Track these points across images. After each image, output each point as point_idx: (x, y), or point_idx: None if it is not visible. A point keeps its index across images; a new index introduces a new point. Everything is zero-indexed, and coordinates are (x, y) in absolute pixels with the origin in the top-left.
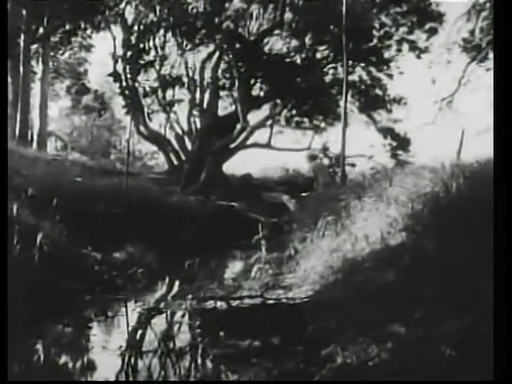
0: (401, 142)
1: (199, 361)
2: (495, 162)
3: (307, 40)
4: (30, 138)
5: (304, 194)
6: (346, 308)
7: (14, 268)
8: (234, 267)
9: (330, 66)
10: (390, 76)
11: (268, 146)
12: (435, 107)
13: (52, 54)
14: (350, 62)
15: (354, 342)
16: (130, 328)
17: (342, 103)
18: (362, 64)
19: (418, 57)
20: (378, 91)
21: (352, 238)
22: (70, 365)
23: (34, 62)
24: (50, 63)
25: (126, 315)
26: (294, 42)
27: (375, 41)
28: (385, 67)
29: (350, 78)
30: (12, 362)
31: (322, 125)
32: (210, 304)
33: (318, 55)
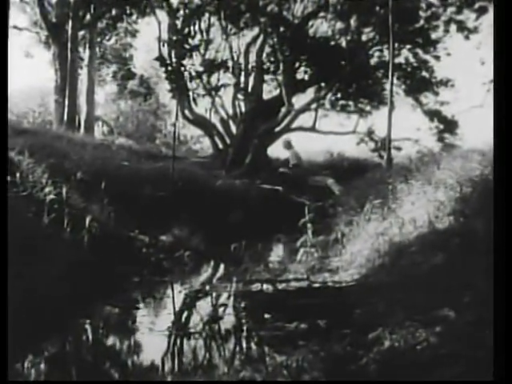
0: (448, 125)
1: (244, 343)
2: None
3: (352, 22)
4: (77, 123)
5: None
6: (393, 292)
7: (64, 249)
8: (280, 250)
9: (375, 48)
10: (437, 58)
11: (313, 129)
12: (483, 89)
13: (98, 39)
14: (396, 44)
15: (401, 325)
16: (176, 310)
17: (387, 86)
18: (409, 46)
19: (467, 37)
20: (425, 73)
21: (399, 222)
22: (118, 345)
23: (81, 49)
24: (97, 49)
25: (173, 297)
26: (339, 25)
27: (422, 22)
28: (432, 49)
29: (396, 60)
30: (63, 341)
31: (367, 108)
32: (255, 287)
33: (364, 37)
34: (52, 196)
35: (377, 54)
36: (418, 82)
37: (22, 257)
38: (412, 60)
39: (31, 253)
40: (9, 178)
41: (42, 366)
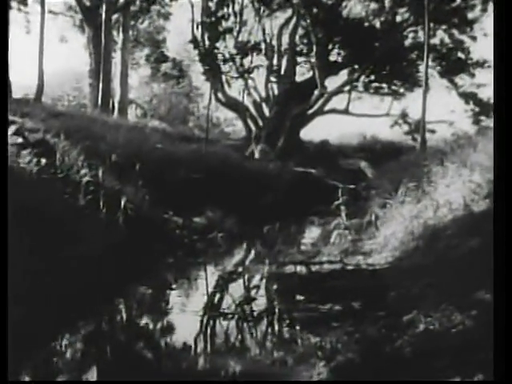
0: (484, 108)
1: (276, 325)
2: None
3: (387, 3)
4: (111, 106)
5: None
6: (427, 275)
7: (99, 231)
8: (313, 233)
9: (410, 29)
10: (474, 38)
11: (346, 112)
12: None
13: (132, 23)
14: (432, 25)
15: (436, 308)
16: (209, 291)
17: (422, 68)
18: (444, 26)
19: None
20: (461, 54)
21: (434, 205)
22: (151, 326)
23: (114, 32)
24: (130, 32)
25: (206, 279)
26: (373, 5)
27: (458, 1)
28: (468, 29)
29: (431, 41)
30: (98, 321)
31: (401, 90)
32: (289, 269)
33: (398, 18)
34: (88, 178)
35: (411, 35)
36: (454, 64)
37: (59, 238)
38: (447, 41)
39: (67, 234)
40: (45, 161)
41: (78, 344)
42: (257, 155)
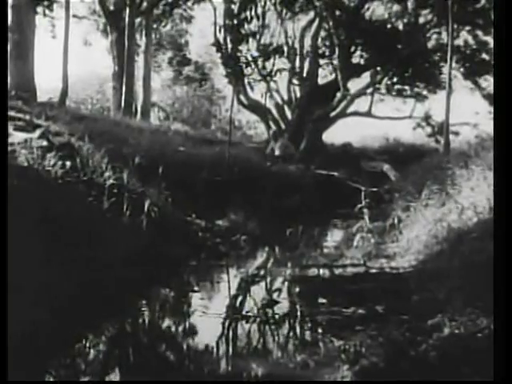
0: None
1: (298, 328)
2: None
3: (409, 4)
4: (134, 109)
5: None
6: (452, 278)
7: (123, 233)
8: (335, 236)
9: (433, 30)
10: None
11: (368, 114)
12: None
13: (155, 26)
14: (455, 26)
15: (461, 312)
16: (231, 294)
17: (445, 69)
18: (468, 27)
19: None
20: (485, 56)
21: (458, 208)
22: (173, 328)
23: (137, 35)
24: (153, 35)
25: (228, 281)
26: (396, 7)
27: (483, 1)
28: (492, 30)
29: (455, 42)
30: (122, 321)
31: (424, 92)
32: (312, 271)
33: (421, 19)
34: (111, 181)
35: (434, 36)
36: (478, 65)
37: (83, 240)
38: (471, 42)
39: (91, 236)
40: (69, 164)
41: (101, 346)
42: (277, 152)
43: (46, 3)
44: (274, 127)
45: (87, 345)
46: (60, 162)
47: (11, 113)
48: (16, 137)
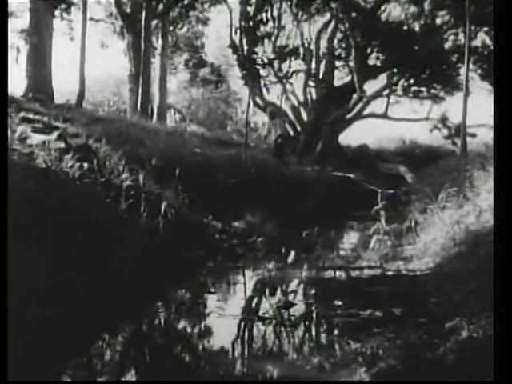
0: None
1: (313, 330)
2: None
3: (426, 5)
4: (150, 110)
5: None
6: (470, 281)
7: (140, 234)
8: (352, 238)
9: (450, 31)
10: None
11: (385, 116)
12: None
13: (171, 28)
14: (473, 27)
15: (479, 315)
16: (247, 295)
17: (462, 71)
18: (485, 28)
19: None
20: None
21: (476, 210)
22: (189, 329)
23: (154, 38)
24: (169, 38)
25: (244, 283)
26: (413, 8)
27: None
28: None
29: (472, 43)
30: (138, 322)
31: (441, 94)
32: (328, 274)
33: (438, 21)
34: (129, 182)
35: (451, 37)
36: None
37: (100, 241)
38: (489, 43)
39: (108, 237)
40: (87, 165)
41: (117, 346)
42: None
43: (63, 6)
44: (290, 129)
45: (103, 345)
46: (77, 164)
47: (29, 115)
48: (34, 139)
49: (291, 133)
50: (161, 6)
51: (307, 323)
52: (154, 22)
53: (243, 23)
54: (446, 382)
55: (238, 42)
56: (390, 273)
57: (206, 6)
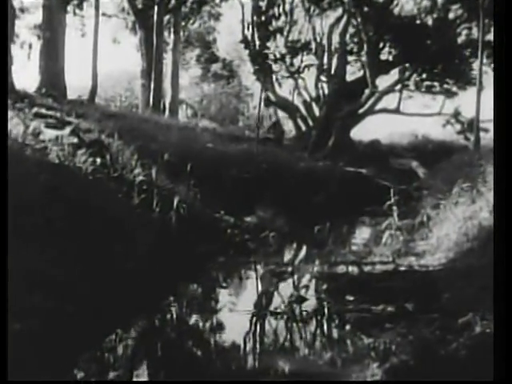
0: None
1: (325, 325)
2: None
3: None
4: (162, 106)
5: None
6: (483, 277)
7: (153, 229)
8: (364, 233)
9: (463, 26)
10: None
11: (397, 111)
12: None
13: (183, 24)
14: (486, 21)
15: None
16: (258, 290)
17: (475, 65)
18: None
19: None
20: None
21: (489, 206)
22: (201, 324)
23: (166, 33)
24: (181, 33)
25: (256, 278)
26: (425, 2)
27: None
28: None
29: (486, 37)
30: (151, 317)
31: (454, 89)
32: (341, 269)
33: (451, 15)
34: (141, 177)
35: (465, 31)
36: None
37: (113, 236)
38: None
39: (121, 232)
40: (99, 160)
41: (130, 341)
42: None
43: (76, 2)
44: (303, 127)
45: (116, 340)
46: (90, 159)
47: (42, 110)
48: (47, 134)
49: (303, 128)
50: (173, 2)
51: (319, 318)
52: (166, 18)
53: (255, 18)
54: (446, 382)
55: (249, 37)
56: (402, 268)
57: (217, 1)
